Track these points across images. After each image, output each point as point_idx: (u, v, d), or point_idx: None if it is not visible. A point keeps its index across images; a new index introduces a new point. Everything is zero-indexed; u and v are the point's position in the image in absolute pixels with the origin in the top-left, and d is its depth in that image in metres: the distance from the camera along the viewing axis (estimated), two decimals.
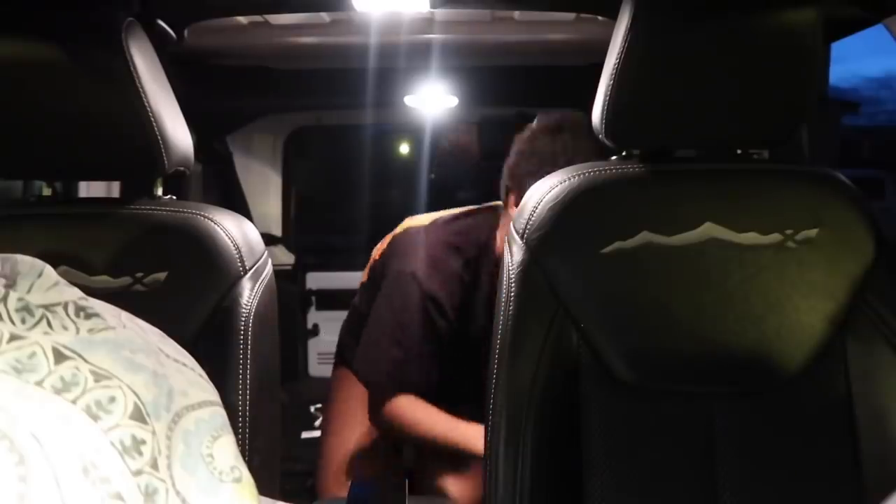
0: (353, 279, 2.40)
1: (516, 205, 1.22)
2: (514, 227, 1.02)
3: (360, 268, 1.99)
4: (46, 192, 1.09)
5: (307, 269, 3.12)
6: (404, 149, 4.78)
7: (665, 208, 1.00)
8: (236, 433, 0.73)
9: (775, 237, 0.98)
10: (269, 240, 2.97)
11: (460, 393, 1.47)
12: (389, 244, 1.56)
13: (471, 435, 1.44)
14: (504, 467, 0.93)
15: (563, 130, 1.33)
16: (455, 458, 1.46)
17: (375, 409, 1.47)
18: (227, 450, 0.46)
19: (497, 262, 1.38)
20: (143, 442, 0.42)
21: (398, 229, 1.56)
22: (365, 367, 1.49)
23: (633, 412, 0.97)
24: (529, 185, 1.05)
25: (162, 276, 0.98)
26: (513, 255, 1.00)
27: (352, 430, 1.56)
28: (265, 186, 3.11)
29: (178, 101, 1.06)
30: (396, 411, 1.45)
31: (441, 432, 1.44)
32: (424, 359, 1.45)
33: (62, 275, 0.54)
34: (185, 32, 1.51)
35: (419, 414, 1.46)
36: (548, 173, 1.05)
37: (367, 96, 2.28)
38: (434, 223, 1.52)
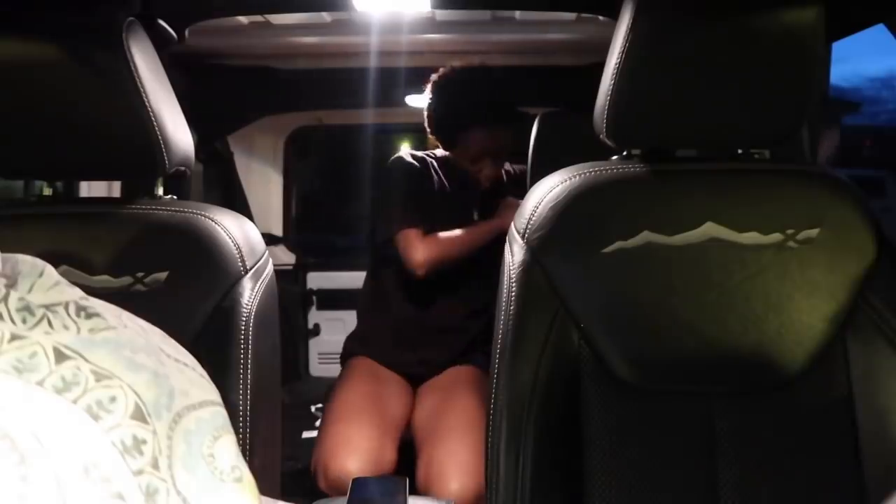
0: (353, 279, 2.40)
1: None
2: (515, 226, 1.02)
3: (361, 268, 2.00)
4: (47, 191, 1.09)
5: (308, 268, 3.13)
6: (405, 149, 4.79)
7: (666, 208, 1.00)
8: (237, 433, 0.74)
9: (776, 237, 0.98)
10: (269, 240, 2.98)
11: None
12: None
13: (494, 224, 1.74)
14: (505, 466, 0.93)
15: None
16: (455, 456, 1.46)
17: (407, 254, 1.69)
18: (228, 449, 0.46)
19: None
20: (144, 442, 0.42)
21: None
22: (384, 230, 1.74)
23: (634, 412, 0.96)
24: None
25: (163, 275, 0.98)
26: (513, 254, 1.00)
27: (349, 419, 1.55)
28: (266, 186, 3.12)
29: (179, 101, 1.06)
30: (425, 244, 1.69)
31: (470, 236, 1.73)
32: (425, 204, 1.73)
33: (63, 274, 0.54)
34: (186, 32, 1.51)
35: (442, 236, 1.72)
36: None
37: (367, 96, 2.29)
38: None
